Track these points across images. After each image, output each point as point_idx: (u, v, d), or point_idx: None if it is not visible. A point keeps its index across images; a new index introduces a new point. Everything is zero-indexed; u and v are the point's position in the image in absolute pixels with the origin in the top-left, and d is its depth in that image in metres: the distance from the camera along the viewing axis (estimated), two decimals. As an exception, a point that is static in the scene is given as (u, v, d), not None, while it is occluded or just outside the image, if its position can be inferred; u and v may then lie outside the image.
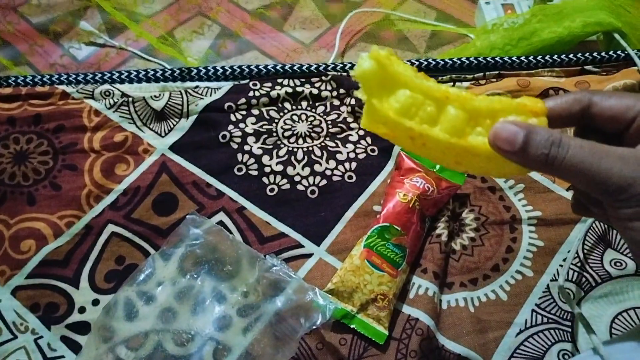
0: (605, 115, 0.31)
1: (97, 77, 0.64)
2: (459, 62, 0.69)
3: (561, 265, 0.55)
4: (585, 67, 0.69)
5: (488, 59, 0.69)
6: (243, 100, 0.63)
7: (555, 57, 0.69)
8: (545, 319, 0.52)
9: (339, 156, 0.61)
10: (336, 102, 0.65)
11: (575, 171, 0.28)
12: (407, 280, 0.54)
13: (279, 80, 0.65)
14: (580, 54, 0.69)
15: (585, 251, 0.56)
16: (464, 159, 0.31)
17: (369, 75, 0.30)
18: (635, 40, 0.73)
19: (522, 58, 0.68)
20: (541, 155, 0.28)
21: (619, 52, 0.70)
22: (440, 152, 0.31)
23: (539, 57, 0.69)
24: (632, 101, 0.30)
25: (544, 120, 0.29)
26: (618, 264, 0.55)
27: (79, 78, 0.63)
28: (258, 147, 0.61)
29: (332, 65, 0.67)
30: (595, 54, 0.70)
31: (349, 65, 0.68)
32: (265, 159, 0.60)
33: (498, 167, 0.31)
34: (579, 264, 0.55)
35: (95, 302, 0.52)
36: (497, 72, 0.67)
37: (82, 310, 0.52)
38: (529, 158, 0.28)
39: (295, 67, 0.66)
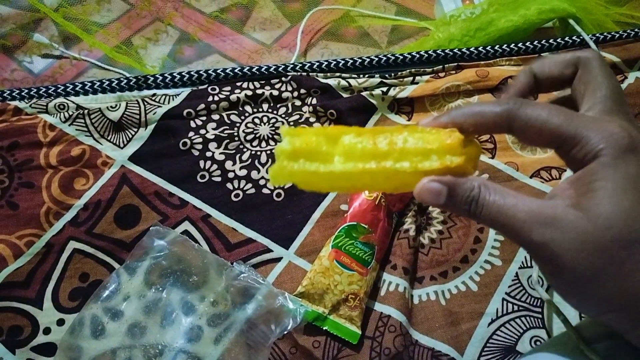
0: (534, 134, 0.29)
1: (50, 91, 0.62)
2: (417, 56, 0.69)
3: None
4: (542, 54, 0.70)
5: (447, 51, 0.69)
6: (202, 105, 0.62)
7: (512, 46, 0.70)
8: (516, 307, 0.53)
9: (303, 157, 0.61)
10: (297, 103, 0.65)
11: (492, 225, 0.28)
12: (378, 277, 0.54)
13: (238, 84, 0.64)
14: (536, 42, 0.70)
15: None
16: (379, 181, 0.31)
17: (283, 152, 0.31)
18: (591, 25, 0.74)
19: (480, 49, 0.69)
20: (463, 210, 0.29)
21: (574, 37, 0.71)
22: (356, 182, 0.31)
23: (496, 47, 0.69)
24: (554, 129, 0.28)
25: (461, 159, 0.29)
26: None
27: (32, 92, 0.62)
28: (220, 153, 0.60)
29: (292, 66, 0.67)
30: (551, 41, 0.70)
31: (308, 64, 0.67)
32: (229, 164, 0.60)
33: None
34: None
35: (61, 322, 0.51)
36: (456, 64, 0.67)
37: (47, 331, 0.50)
38: (453, 211, 0.31)
39: (254, 70, 0.66)
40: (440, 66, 0.67)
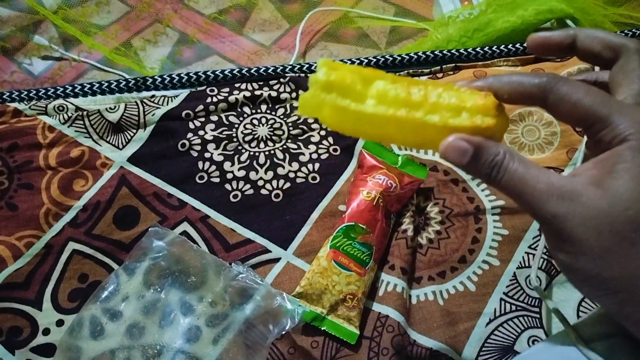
0: (566, 112, 0.30)
1: (49, 93, 0.62)
2: (415, 56, 0.69)
3: (527, 253, 0.55)
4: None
5: (444, 52, 0.69)
6: (201, 107, 0.62)
7: (510, 46, 0.70)
8: (513, 307, 0.53)
9: (301, 158, 0.61)
10: (296, 104, 0.65)
11: (510, 193, 0.29)
12: (376, 277, 0.54)
13: (237, 85, 0.65)
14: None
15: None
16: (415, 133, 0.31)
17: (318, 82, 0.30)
18: (588, 25, 0.74)
19: (478, 49, 0.69)
20: (485, 174, 0.29)
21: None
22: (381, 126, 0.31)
23: (494, 48, 0.69)
24: (587, 109, 0.29)
25: (493, 121, 0.29)
26: (581, 247, 0.55)
27: (31, 94, 0.62)
28: (219, 154, 0.60)
29: (290, 67, 0.67)
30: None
31: (307, 66, 0.67)
32: (227, 165, 0.60)
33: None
34: (546, 252, 0.55)
35: (60, 323, 0.51)
36: (454, 64, 0.68)
37: (46, 332, 0.50)
38: (474, 173, 0.30)
39: (252, 71, 0.66)
40: (438, 67, 0.67)
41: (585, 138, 0.58)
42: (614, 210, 0.26)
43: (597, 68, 0.35)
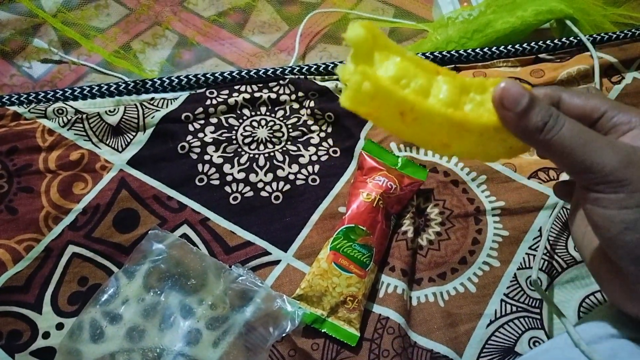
0: (573, 113, 0.31)
1: (48, 96, 0.62)
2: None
3: (527, 254, 0.55)
4: (540, 55, 0.70)
5: (444, 53, 0.69)
6: (200, 109, 0.62)
7: (509, 47, 0.70)
8: (514, 308, 0.53)
9: (301, 160, 0.61)
10: (295, 106, 0.65)
11: (563, 147, 0.28)
12: (376, 279, 0.54)
13: (236, 87, 0.65)
14: (533, 43, 0.70)
15: (550, 239, 0.56)
16: (453, 137, 0.30)
17: (361, 42, 0.28)
18: (588, 26, 0.74)
19: (478, 50, 0.69)
20: (540, 123, 0.29)
21: (571, 38, 0.71)
22: (430, 129, 0.29)
23: (493, 49, 0.69)
24: (598, 103, 0.31)
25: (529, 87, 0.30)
26: (582, 248, 0.55)
27: (30, 97, 0.62)
28: (218, 156, 0.60)
29: (289, 69, 0.67)
30: (548, 42, 0.70)
31: (306, 67, 0.67)
32: (227, 168, 0.60)
33: (487, 148, 0.31)
34: (546, 253, 0.55)
35: (60, 326, 0.51)
36: (453, 65, 0.68)
37: (46, 335, 0.50)
38: (527, 122, 0.29)
39: (252, 73, 0.66)
40: (438, 68, 0.67)
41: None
42: None
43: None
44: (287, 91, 0.65)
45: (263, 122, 0.63)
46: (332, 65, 0.68)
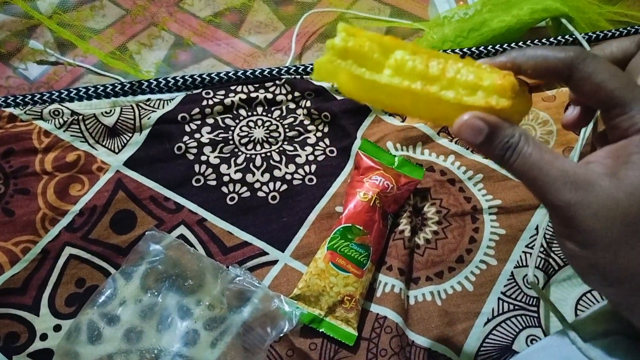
0: (585, 94, 0.30)
1: (44, 97, 0.62)
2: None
3: (524, 252, 0.55)
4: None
5: (440, 52, 0.69)
6: (197, 110, 0.62)
7: (505, 45, 0.70)
8: (511, 306, 0.53)
9: (298, 159, 0.61)
10: (292, 106, 0.65)
11: (521, 177, 0.28)
12: (374, 278, 0.54)
13: (233, 87, 0.65)
14: (529, 41, 0.70)
15: (547, 237, 0.56)
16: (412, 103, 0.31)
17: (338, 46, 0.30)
18: (584, 24, 0.74)
19: (474, 49, 0.69)
20: (497, 155, 0.29)
21: (567, 36, 0.71)
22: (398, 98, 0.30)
23: (489, 47, 0.69)
24: (613, 89, 0.28)
25: (508, 103, 0.29)
26: (579, 246, 0.56)
27: (26, 99, 0.62)
28: (215, 157, 0.60)
29: (285, 69, 0.67)
30: (544, 40, 0.70)
31: (302, 67, 0.67)
32: (224, 168, 0.60)
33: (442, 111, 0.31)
34: (543, 251, 0.55)
35: (57, 328, 0.51)
36: (449, 64, 0.68)
37: (43, 337, 0.50)
38: (487, 154, 0.29)
39: (248, 73, 0.66)
40: (434, 67, 0.67)
41: (581, 137, 0.58)
42: (627, 202, 0.26)
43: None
44: (284, 91, 0.65)
45: (259, 122, 0.63)
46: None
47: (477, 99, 0.29)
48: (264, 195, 0.59)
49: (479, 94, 0.29)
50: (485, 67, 0.30)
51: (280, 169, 0.60)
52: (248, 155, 0.61)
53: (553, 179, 0.27)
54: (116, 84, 0.64)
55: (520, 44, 0.70)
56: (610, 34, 0.71)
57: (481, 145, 0.29)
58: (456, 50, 0.69)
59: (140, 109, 0.62)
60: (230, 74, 0.66)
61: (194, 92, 0.64)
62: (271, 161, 0.61)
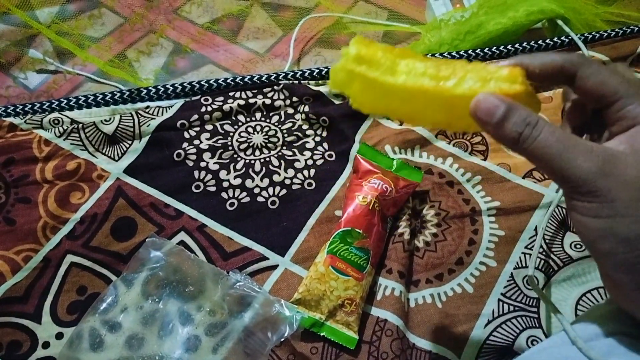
0: (586, 93, 0.31)
1: (44, 106, 0.63)
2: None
3: (524, 253, 0.56)
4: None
5: (437, 55, 0.69)
6: (195, 116, 0.63)
7: (502, 47, 0.70)
8: (512, 307, 0.53)
9: (297, 164, 0.61)
10: (290, 111, 0.65)
11: (540, 155, 0.28)
12: (374, 282, 0.54)
13: (231, 93, 0.65)
14: (525, 43, 0.71)
15: (546, 238, 0.56)
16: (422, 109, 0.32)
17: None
18: (580, 25, 0.74)
19: (470, 51, 0.69)
20: (515, 132, 0.29)
21: (563, 38, 0.71)
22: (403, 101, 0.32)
23: (486, 50, 0.70)
24: (615, 86, 0.30)
25: (520, 95, 0.30)
26: (578, 246, 0.56)
27: (26, 109, 0.62)
28: (214, 163, 0.61)
29: (283, 74, 0.67)
30: (540, 42, 0.71)
31: (300, 73, 0.68)
32: (223, 174, 0.60)
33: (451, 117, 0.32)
34: (543, 252, 0.55)
35: (59, 336, 0.51)
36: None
37: (46, 345, 0.50)
38: (503, 133, 0.29)
39: (246, 79, 0.66)
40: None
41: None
42: None
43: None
44: (282, 96, 0.66)
45: (258, 128, 0.64)
46: (325, 70, 0.68)
47: (490, 87, 0.29)
48: (264, 200, 0.59)
49: (492, 84, 0.30)
50: (493, 67, 0.31)
51: (279, 174, 0.60)
52: (247, 161, 0.61)
53: (579, 153, 0.27)
54: (115, 92, 0.64)
55: (517, 45, 0.71)
56: (606, 34, 0.71)
57: (497, 124, 0.29)
58: (453, 53, 0.69)
59: (139, 116, 0.62)
60: (228, 81, 0.66)
61: (193, 99, 0.65)
62: (270, 166, 0.61)
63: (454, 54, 0.69)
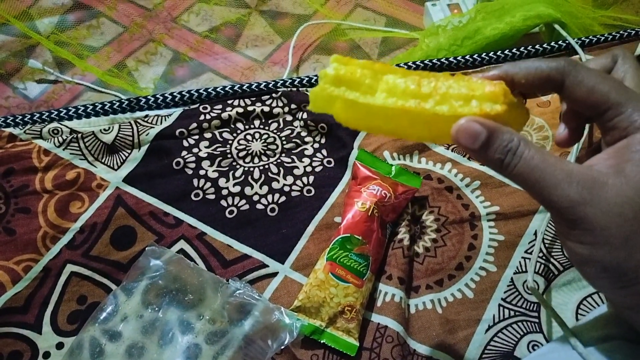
0: (576, 102, 0.30)
1: (43, 116, 0.63)
2: (405, 67, 0.69)
3: (523, 258, 0.55)
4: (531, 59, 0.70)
5: (435, 60, 0.69)
6: (194, 124, 0.63)
7: (499, 52, 0.70)
8: (512, 312, 0.53)
9: (295, 171, 0.61)
10: (289, 118, 0.65)
11: (523, 181, 0.28)
12: (374, 288, 0.54)
13: (230, 101, 0.65)
14: (523, 48, 0.71)
15: (546, 242, 0.56)
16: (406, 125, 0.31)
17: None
18: (577, 29, 0.74)
19: (468, 57, 0.69)
20: (497, 159, 0.28)
21: (560, 42, 0.71)
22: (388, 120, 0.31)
23: (484, 55, 0.70)
24: (606, 92, 0.28)
25: (503, 115, 0.29)
26: (578, 250, 0.56)
27: (25, 119, 0.62)
28: (213, 170, 0.61)
29: (282, 82, 0.67)
30: (537, 46, 0.71)
31: (298, 80, 0.68)
32: (222, 182, 0.60)
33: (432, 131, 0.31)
34: (542, 256, 0.55)
35: (60, 346, 0.51)
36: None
37: (46, 355, 0.50)
38: (486, 158, 0.29)
39: (244, 87, 0.66)
40: (429, 76, 0.68)
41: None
42: (638, 197, 0.26)
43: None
44: (280, 104, 0.66)
45: (257, 135, 0.64)
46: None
47: (472, 108, 0.29)
48: (263, 207, 0.59)
49: (473, 103, 0.29)
50: (476, 79, 0.30)
51: (278, 181, 0.61)
52: (246, 168, 0.61)
53: (558, 181, 0.27)
54: (114, 102, 0.65)
55: (514, 50, 0.71)
56: (603, 38, 0.72)
57: (479, 150, 0.28)
58: (451, 59, 0.70)
59: (138, 125, 0.63)
60: (226, 89, 0.66)
61: (191, 107, 0.65)
62: (269, 173, 0.61)
63: (452, 59, 0.70)
